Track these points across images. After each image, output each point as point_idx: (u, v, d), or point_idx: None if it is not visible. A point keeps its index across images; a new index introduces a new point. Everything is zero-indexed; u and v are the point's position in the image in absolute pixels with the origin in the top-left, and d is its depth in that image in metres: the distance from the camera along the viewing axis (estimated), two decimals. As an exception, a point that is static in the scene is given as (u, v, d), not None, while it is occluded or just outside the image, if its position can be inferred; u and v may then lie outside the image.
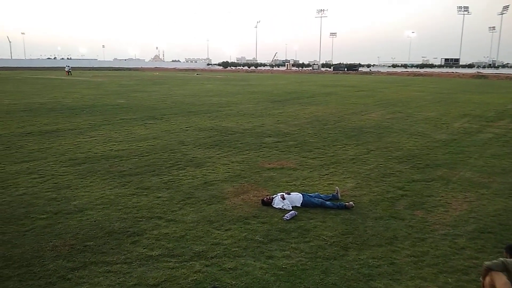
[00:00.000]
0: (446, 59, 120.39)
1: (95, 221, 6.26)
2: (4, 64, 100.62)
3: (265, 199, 7.08)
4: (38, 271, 4.78)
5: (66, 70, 66.93)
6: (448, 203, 7.32)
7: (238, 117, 18.17)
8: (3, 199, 7.13)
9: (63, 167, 9.36)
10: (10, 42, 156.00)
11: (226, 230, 6.02)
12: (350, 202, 7.09)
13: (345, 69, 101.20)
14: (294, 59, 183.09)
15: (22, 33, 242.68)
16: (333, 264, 5.06)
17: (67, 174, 8.75)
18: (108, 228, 6.01)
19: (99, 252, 5.27)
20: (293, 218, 6.50)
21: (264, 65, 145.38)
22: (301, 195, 7.14)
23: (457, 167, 9.77)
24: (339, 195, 7.47)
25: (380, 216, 6.64)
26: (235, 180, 8.54)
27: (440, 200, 7.47)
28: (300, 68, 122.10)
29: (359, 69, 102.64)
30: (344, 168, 9.59)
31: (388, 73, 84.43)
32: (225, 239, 5.70)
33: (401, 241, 5.75)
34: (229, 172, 9.09)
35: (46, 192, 7.59)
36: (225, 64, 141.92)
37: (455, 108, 22.16)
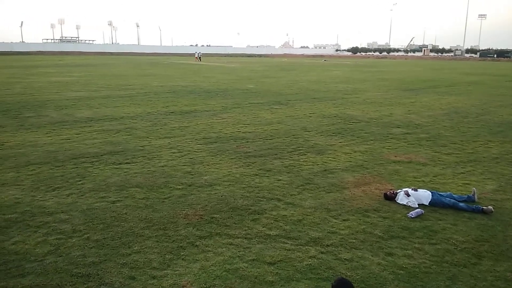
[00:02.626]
0: None
1: (221, 196, 6.78)
2: (155, 50, 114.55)
3: (388, 193, 6.72)
4: (172, 235, 5.41)
5: (196, 56, 70.74)
6: None
7: (365, 105, 17.48)
8: (148, 169, 8.21)
9: (198, 144, 10.31)
10: (160, 30, 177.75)
11: (343, 220, 5.92)
12: (489, 206, 6.27)
13: (494, 56, 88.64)
14: (433, 44, 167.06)
15: (171, 23, 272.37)
16: (462, 272, 4.58)
17: (201, 151, 9.62)
18: (233, 204, 6.45)
19: (224, 225, 5.70)
20: (418, 216, 6.05)
21: (398, 50, 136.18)
22: (430, 192, 6.58)
23: None
24: (475, 197, 6.66)
25: (527, 227, 5.72)
26: (356, 170, 8.29)
27: None
28: (439, 54, 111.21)
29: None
30: (484, 168, 8.49)
31: (553, 60, 71.04)
32: (342, 229, 5.61)
33: (553, 258, 4.89)
34: (350, 162, 8.86)
35: (182, 165, 8.48)
36: (354, 50, 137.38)
37: None
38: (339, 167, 8.44)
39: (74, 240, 5.22)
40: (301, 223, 5.78)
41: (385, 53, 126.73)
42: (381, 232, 5.55)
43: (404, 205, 6.41)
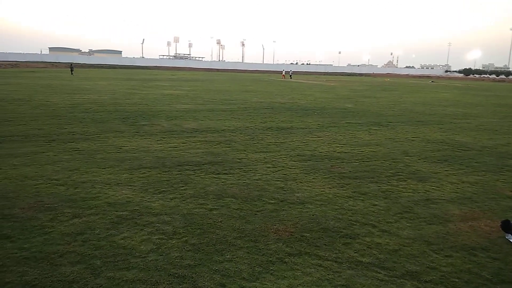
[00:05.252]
0: None
1: (313, 215, 6.71)
2: (257, 68, 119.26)
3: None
4: (262, 248, 5.50)
5: (283, 74, 73.00)
6: None
7: (477, 131, 15.92)
8: (244, 181, 8.50)
9: (292, 161, 10.39)
10: (263, 49, 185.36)
11: (446, 256, 5.42)
12: None
13: None
14: None
15: (274, 41, 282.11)
16: None
17: (294, 168, 9.67)
18: (324, 224, 6.34)
19: (313, 245, 5.63)
20: (538, 262, 5.28)
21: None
22: (554, 236, 5.70)
23: None
24: None
25: None
26: (463, 202, 7.55)
27: None
28: None
29: None
30: None
31: None
32: (444, 266, 5.14)
33: None
34: (457, 193, 8.11)
35: (276, 180, 8.61)
36: (466, 71, 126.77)
37: None
38: (443, 198, 7.79)
39: (174, 241, 5.62)
40: (397, 254, 5.44)
41: (503, 76, 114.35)
42: (490, 274, 4.96)
43: (521, 247, 5.65)
